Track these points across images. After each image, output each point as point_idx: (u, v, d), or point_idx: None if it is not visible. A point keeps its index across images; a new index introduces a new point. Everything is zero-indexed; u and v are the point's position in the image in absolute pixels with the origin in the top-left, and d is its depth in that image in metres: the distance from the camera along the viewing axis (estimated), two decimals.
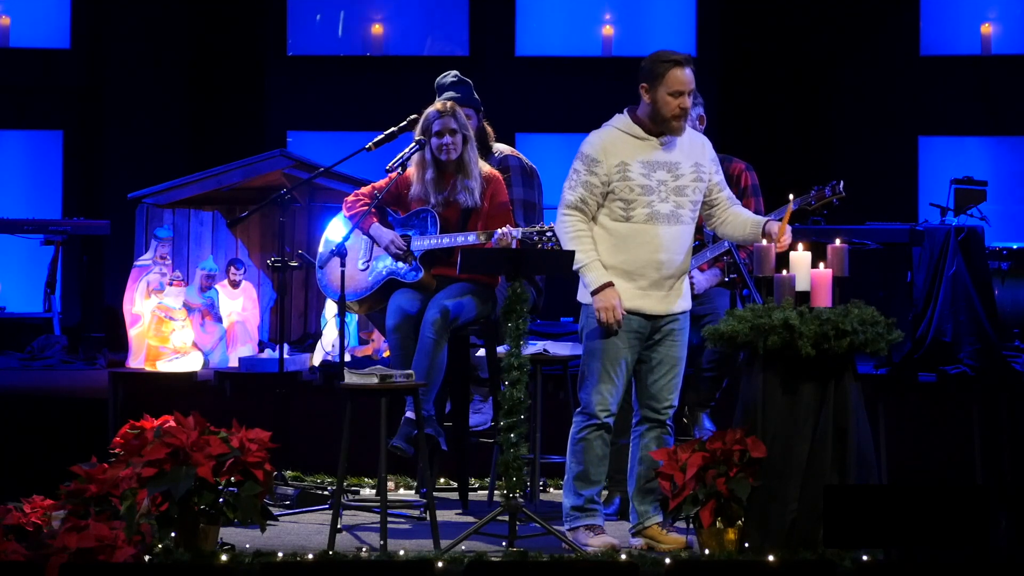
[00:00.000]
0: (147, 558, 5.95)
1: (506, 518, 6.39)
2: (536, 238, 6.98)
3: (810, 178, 7.65)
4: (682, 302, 6.55)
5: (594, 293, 6.40)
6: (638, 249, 6.43)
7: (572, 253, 6.39)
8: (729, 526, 6.20)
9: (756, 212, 7.32)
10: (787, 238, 6.47)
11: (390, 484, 7.76)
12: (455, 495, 7.64)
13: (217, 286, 9.77)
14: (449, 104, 7.39)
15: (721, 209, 6.59)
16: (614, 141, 6.48)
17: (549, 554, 6.18)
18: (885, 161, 12.34)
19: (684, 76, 6.43)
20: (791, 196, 6.58)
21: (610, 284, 6.39)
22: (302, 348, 9.71)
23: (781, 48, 12.31)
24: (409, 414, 7.22)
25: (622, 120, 6.52)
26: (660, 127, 6.46)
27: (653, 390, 6.53)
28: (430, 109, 7.39)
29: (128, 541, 5.82)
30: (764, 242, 6.44)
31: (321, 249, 7.72)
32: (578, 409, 6.55)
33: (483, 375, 7.92)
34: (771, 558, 5.95)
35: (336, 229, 7.64)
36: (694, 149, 6.55)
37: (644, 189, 6.42)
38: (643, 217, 6.43)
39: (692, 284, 7.24)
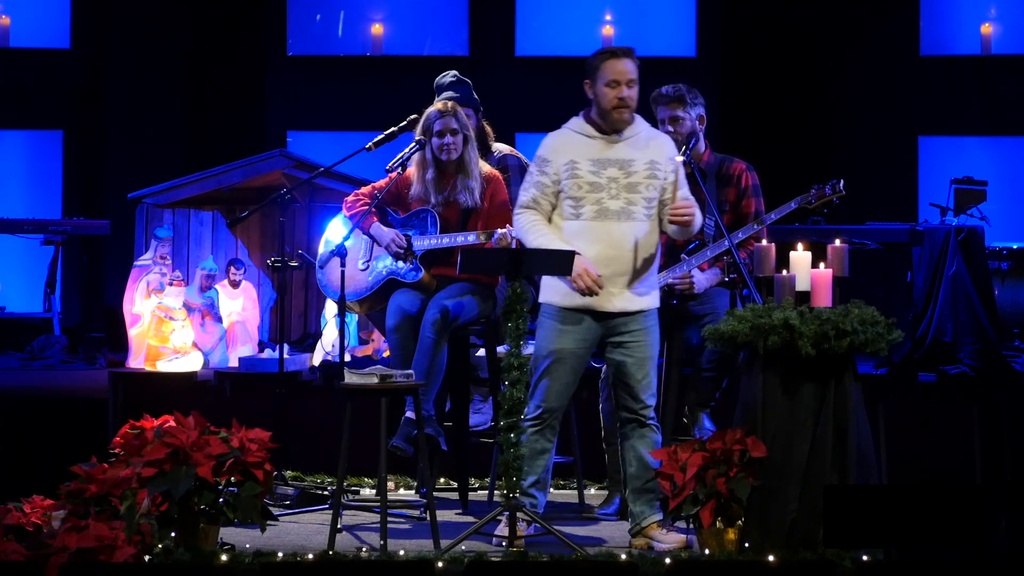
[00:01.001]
0: (147, 558, 5.95)
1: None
2: None
3: (810, 178, 7.64)
4: (640, 300, 6.52)
5: None
6: (588, 246, 6.43)
7: (572, 253, 6.38)
8: (729, 526, 6.20)
9: (756, 212, 7.32)
10: (680, 206, 6.42)
11: (390, 484, 7.76)
12: (455, 495, 7.64)
13: (217, 286, 9.77)
14: (450, 104, 7.39)
15: (669, 208, 6.56)
16: (564, 141, 6.54)
17: (549, 554, 6.19)
18: (885, 161, 12.34)
19: (620, 66, 6.44)
20: (681, 157, 6.55)
21: (575, 252, 6.36)
22: (302, 348, 9.71)
23: (781, 48, 12.31)
24: (409, 414, 7.21)
25: (575, 121, 6.59)
26: (606, 122, 6.47)
27: (629, 391, 6.55)
28: (430, 109, 7.39)
29: (128, 541, 5.82)
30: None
31: (321, 249, 7.71)
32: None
33: (483, 375, 7.92)
34: (771, 558, 5.94)
35: (336, 229, 7.64)
36: (651, 146, 6.55)
37: (593, 186, 6.44)
38: (592, 214, 6.45)
39: (692, 283, 7.23)
